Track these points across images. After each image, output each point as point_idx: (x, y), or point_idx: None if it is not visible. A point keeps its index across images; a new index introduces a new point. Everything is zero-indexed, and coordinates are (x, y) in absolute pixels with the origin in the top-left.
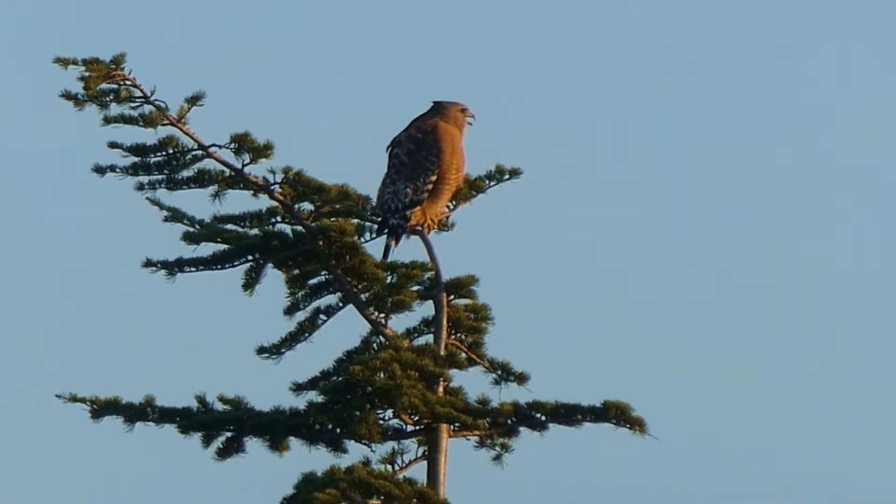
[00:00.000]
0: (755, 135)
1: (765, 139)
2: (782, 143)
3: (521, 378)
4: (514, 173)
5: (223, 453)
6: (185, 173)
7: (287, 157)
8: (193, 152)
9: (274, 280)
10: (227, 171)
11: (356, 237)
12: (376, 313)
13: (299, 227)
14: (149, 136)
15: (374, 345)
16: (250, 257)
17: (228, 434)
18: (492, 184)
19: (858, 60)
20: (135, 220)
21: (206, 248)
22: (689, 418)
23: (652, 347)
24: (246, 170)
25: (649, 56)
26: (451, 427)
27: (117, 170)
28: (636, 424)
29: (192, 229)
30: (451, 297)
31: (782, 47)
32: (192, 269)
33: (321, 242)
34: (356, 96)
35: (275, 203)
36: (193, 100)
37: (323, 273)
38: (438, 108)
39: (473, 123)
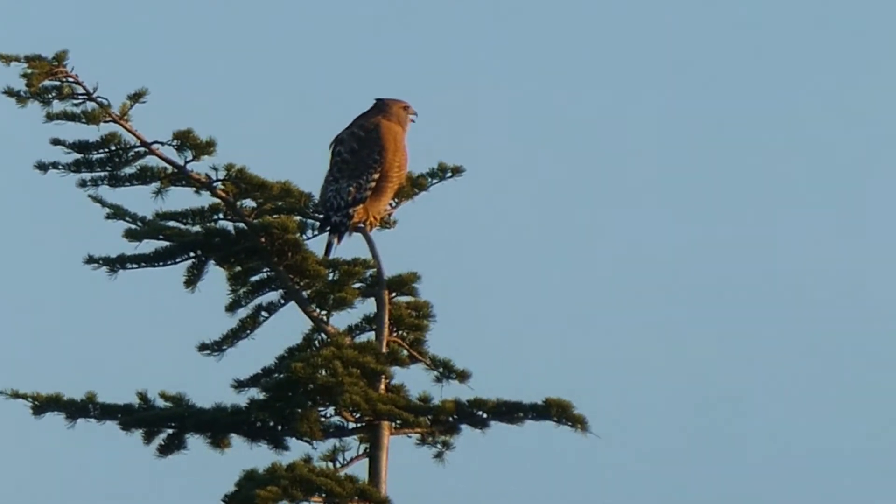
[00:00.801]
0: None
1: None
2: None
3: (463, 376)
4: (456, 171)
5: (164, 450)
6: (128, 170)
7: (229, 154)
8: (136, 149)
9: (216, 277)
10: (170, 167)
11: (298, 234)
12: (318, 310)
13: (241, 224)
14: (91, 132)
15: (316, 342)
16: (192, 254)
17: (170, 431)
18: (434, 181)
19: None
20: (77, 217)
21: (149, 245)
22: (632, 415)
23: (593, 343)
24: (188, 167)
25: (597, 47)
26: (393, 424)
27: (60, 166)
28: (578, 422)
29: (134, 226)
30: (393, 294)
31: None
32: (135, 265)
33: (263, 239)
34: (298, 93)
35: (217, 200)
36: (136, 97)
37: (265, 270)
38: (381, 106)
39: (416, 121)
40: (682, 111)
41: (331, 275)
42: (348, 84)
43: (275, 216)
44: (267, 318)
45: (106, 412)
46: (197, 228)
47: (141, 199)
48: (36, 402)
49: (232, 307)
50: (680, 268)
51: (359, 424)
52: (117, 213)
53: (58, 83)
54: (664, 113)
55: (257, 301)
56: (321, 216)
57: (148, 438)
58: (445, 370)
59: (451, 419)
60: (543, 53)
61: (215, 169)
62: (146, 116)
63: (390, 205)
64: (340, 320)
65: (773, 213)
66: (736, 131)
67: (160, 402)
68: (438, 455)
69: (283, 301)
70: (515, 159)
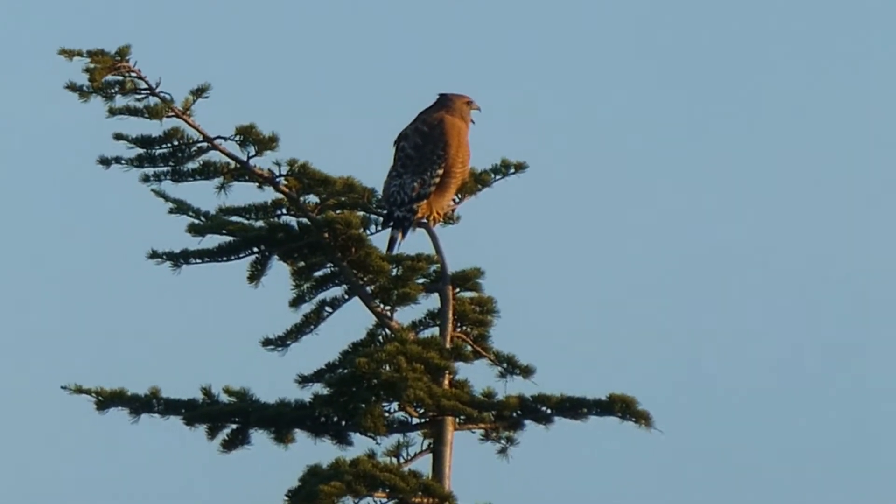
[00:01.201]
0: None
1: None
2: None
3: (527, 371)
4: (520, 167)
5: (228, 445)
6: (191, 165)
7: (292, 149)
8: (199, 144)
9: (279, 272)
10: (233, 163)
11: (362, 229)
12: (382, 306)
13: (305, 220)
14: (154, 127)
15: (380, 337)
16: (256, 249)
17: (234, 426)
18: (497, 178)
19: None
20: (140, 212)
21: (212, 240)
22: (694, 413)
23: (658, 341)
24: (251, 162)
25: (657, 49)
26: (457, 420)
27: (122, 161)
28: (641, 418)
29: (197, 221)
30: (457, 289)
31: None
32: (198, 260)
33: (326, 235)
34: (362, 88)
35: (280, 195)
36: (199, 91)
37: (328, 265)
38: (444, 101)
39: (478, 116)
40: (729, 105)
41: (394, 270)
42: (413, 78)
43: (338, 211)
44: (331, 313)
45: (170, 407)
46: (260, 223)
47: (204, 194)
48: (100, 398)
49: (296, 302)
50: (746, 265)
51: (423, 420)
52: (180, 208)
53: (120, 78)
54: (723, 111)
55: (321, 296)
56: (384, 212)
57: (212, 433)
58: (509, 366)
59: (514, 415)
60: (604, 51)
61: (278, 164)
62: (209, 111)
63: (454, 200)
64: (404, 316)
65: (846, 209)
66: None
67: (224, 398)
68: (502, 450)
69: (346, 296)
70: (578, 155)
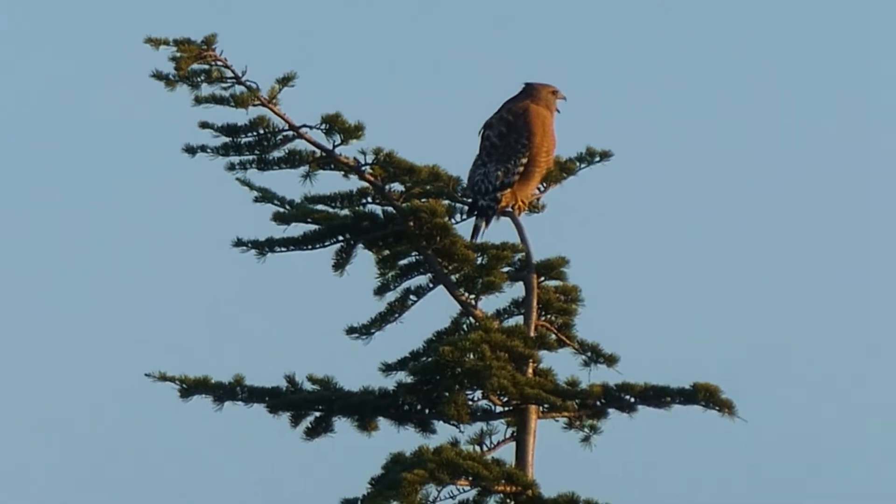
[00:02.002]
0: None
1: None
2: None
3: (611, 360)
4: (605, 156)
5: (312, 433)
6: (276, 154)
7: (378, 138)
8: (284, 133)
9: (364, 261)
10: (318, 151)
11: (447, 218)
12: (466, 294)
13: (390, 208)
14: (240, 116)
15: (464, 326)
16: (341, 238)
17: (317, 414)
18: (582, 166)
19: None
20: (225, 201)
21: (297, 229)
22: (780, 402)
23: (743, 330)
24: (337, 150)
25: (759, 46)
26: (540, 408)
27: (208, 150)
28: (725, 407)
29: (282, 210)
30: (542, 278)
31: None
32: (283, 249)
33: (412, 223)
34: (449, 76)
35: (365, 184)
36: (284, 80)
37: (413, 254)
38: (530, 90)
39: (563, 104)
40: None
41: (479, 259)
42: (499, 68)
43: (423, 200)
44: (415, 301)
45: (253, 395)
46: (345, 212)
47: (289, 183)
48: (184, 385)
49: (380, 291)
50: (826, 252)
51: (506, 408)
52: (266, 196)
53: (206, 67)
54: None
55: (406, 285)
56: (469, 200)
57: (295, 421)
58: (593, 354)
59: (598, 403)
60: (695, 39)
61: (364, 153)
62: (294, 100)
63: (538, 189)
64: (489, 304)
65: None
66: None
67: (308, 386)
68: (586, 439)
69: (431, 285)
70: (664, 143)
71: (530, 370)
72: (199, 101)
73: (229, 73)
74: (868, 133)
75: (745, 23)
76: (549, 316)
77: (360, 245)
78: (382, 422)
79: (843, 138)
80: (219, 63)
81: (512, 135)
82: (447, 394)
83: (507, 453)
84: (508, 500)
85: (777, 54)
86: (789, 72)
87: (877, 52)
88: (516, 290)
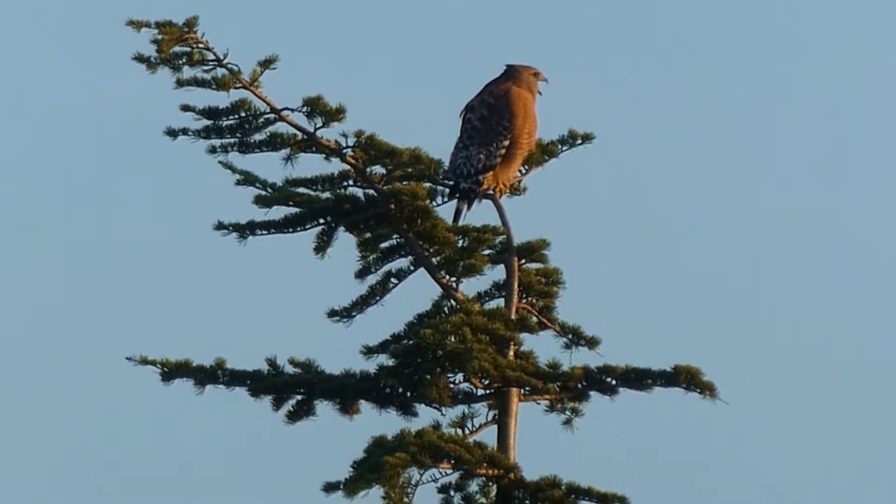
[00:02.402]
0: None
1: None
2: None
3: (592, 342)
4: (587, 138)
5: (293, 416)
6: (258, 137)
7: (359, 120)
8: (266, 115)
9: (345, 243)
10: (300, 134)
11: (428, 201)
12: (447, 277)
13: (371, 191)
14: (221, 99)
15: (445, 308)
16: (322, 221)
17: (299, 397)
18: (564, 149)
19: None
20: (207, 184)
21: (278, 212)
22: (760, 383)
23: (723, 312)
24: (318, 133)
25: (742, 32)
26: (522, 391)
27: (189, 133)
28: (706, 389)
29: (264, 192)
30: (523, 261)
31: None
32: (264, 232)
33: (393, 206)
34: (430, 58)
35: (347, 166)
36: (266, 63)
37: (394, 236)
38: (511, 72)
39: (545, 85)
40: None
41: (460, 241)
42: (481, 49)
43: (404, 183)
44: (396, 284)
45: (235, 378)
46: (327, 195)
47: (271, 166)
48: (165, 369)
49: (361, 274)
50: (814, 230)
51: (487, 391)
52: (247, 179)
53: (188, 49)
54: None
55: (387, 267)
56: (451, 183)
57: (277, 405)
58: (575, 337)
59: (579, 386)
60: (674, 20)
61: (345, 135)
62: (276, 83)
63: (520, 172)
64: (470, 287)
65: None
66: None
67: (289, 369)
68: (567, 422)
69: (412, 267)
70: (645, 126)
71: (511, 353)
72: (180, 83)
73: (211, 56)
74: (847, 123)
75: (735, 7)
76: (530, 298)
77: (342, 228)
78: (364, 405)
79: (823, 124)
80: (200, 46)
81: (493, 117)
82: (429, 377)
83: (488, 436)
84: (490, 483)
85: (763, 41)
86: (775, 58)
87: (871, 51)
88: (497, 273)
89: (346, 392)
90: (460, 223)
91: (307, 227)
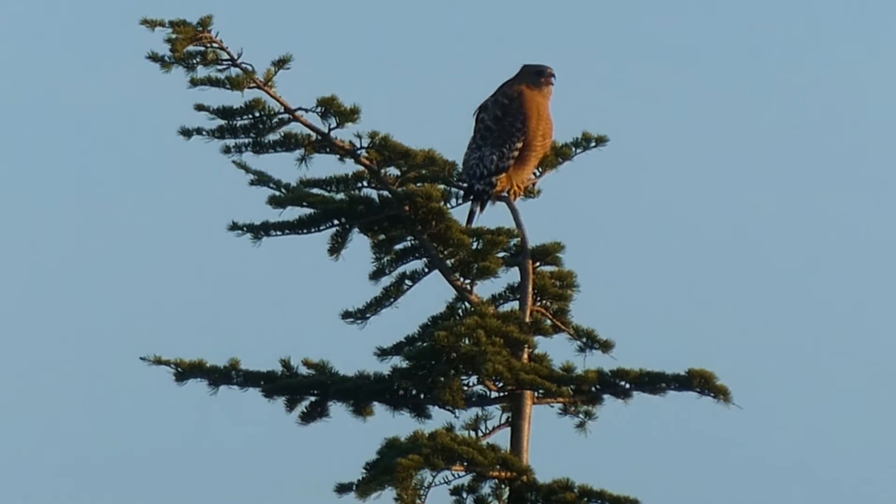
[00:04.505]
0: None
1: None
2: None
3: (606, 346)
4: (601, 141)
5: (307, 417)
6: (272, 137)
7: (374, 121)
8: (280, 116)
9: (360, 245)
10: (314, 134)
11: (442, 203)
12: (462, 279)
13: (385, 192)
14: (235, 98)
15: (460, 311)
16: (336, 222)
17: (312, 398)
18: (578, 151)
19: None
20: (221, 184)
21: (292, 213)
22: (774, 388)
23: (738, 317)
24: (332, 134)
25: (751, 29)
26: (535, 394)
27: (203, 133)
28: (720, 393)
29: (278, 193)
30: (537, 263)
31: None
32: (278, 232)
33: (407, 207)
34: (446, 58)
35: (361, 167)
36: (280, 63)
37: (409, 238)
38: (526, 72)
39: (554, 83)
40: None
41: (474, 244)
42: (496, 49)
43: (419, 184)
44: (410, 286)
45: (249, 379)
46: (341, 196)
47: (285, 166)
48: (179, 369)
49: (376, 275)
50: (829, 239)
51: (501, 394)
52: (261, 179)
53: (202, 49)
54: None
55: (401, 269)
56: (465, 185)
57: (290, 406)
58: (589, 340)
59: (593, 389)
60: (691, 24)
61: (359, 136)
62: (290, 83)
63: (534, 174)
64: (484, 289)
65: None
66: None
67: (303, 370)
68: (581, 425)
69: (426, 269)
70: (660, 129)
71: (525, 356)
72: (194, 83)
73: (225, 56)
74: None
75: (745, 6)
76: (544, 301)
77: (356, 229)
78: (377, 406)
79: (831, 124)
80: (214, 45)
81: (507, 118)
82: (442, 379)
83: (502, 439)
84: (503, 486)
85: (770, 38)
86: (782, 56)
87: (871, 51)
88: (511, 276)
89: (360, 394)
90: (474, 225)
91: (321, 228)
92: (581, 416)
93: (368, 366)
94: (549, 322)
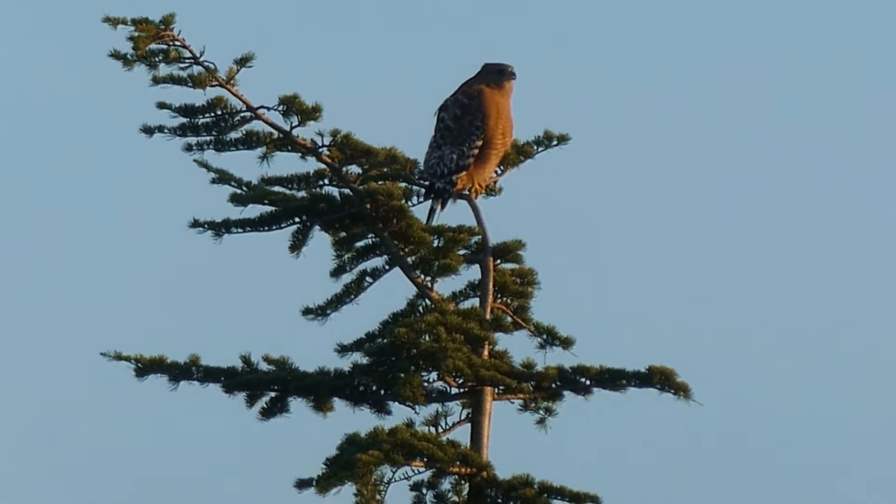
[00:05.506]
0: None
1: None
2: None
3: (567, 342)
4: (563, 139)
5: (267, 413)
6: (234, 135)
7: (335, 119)
8: (242, 114)
9: (321, 242)
10: (276, 133)
11: (404, 200)
12: (422, 276)
13: (347, 190)
14: (197, 97)
15: (420, 307)
16: (297, 219)
17: (273, 394)
18: (540, 149)
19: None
20: (182, 181)
21: (254, 210)
22: (735, 384)
23: (697, 312)
24: (294, 132)
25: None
26: (496, 390)
27: (165, 130)
28: (681, 390)
29: (239, 191)
30: (498, 261)
31: None
32: (240, 230)
33: (368, 205)
34: (408, 57)
35: (323, 165)
36: (242, 61)
37: (370, 236)
38: (486, 71)
39: (523, 86)
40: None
41: (435, 241)
42: (459, 48)
43: (380, 182)
44: (371, 283)
45: (209, 375)
46: (302, 194)
47: (246, 164)
48: (139, 364)
49: (337, 272)
50: (786, 238)
51: (461, 390)
52: (223, 177)
53: (164, 47)
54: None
55: (362, 266)
56: (426, 183)
57: (251, 401)
58: (549, 337)
59: (553, 385)
60: (654, 20)
61: (321, 134)
62: (252, 81)
63: (496, 172)
64: (445, 287)
65: None
66: None
67: (263, 366)
68: (541, 421)
69: (387, 267)
70: (621, 126)
71: (486, 352)
72: (156, 81)
73: (187, 54)
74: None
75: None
76: (504, 298)
77: (317, 227)
78: (338, 402)
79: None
80: (177, 43)
81: (466, 117)
82: (402, 375)
83: (462, 435)
84: (463, 482)
85: (749, 33)
86: (755, 49)
87: (873, 48)
88: (472, 273)
89: (320, 389)
90: (435, 223)
91: (282, 225)
92: (541, 412)
93: (329, 362)
94: (509, 319)
